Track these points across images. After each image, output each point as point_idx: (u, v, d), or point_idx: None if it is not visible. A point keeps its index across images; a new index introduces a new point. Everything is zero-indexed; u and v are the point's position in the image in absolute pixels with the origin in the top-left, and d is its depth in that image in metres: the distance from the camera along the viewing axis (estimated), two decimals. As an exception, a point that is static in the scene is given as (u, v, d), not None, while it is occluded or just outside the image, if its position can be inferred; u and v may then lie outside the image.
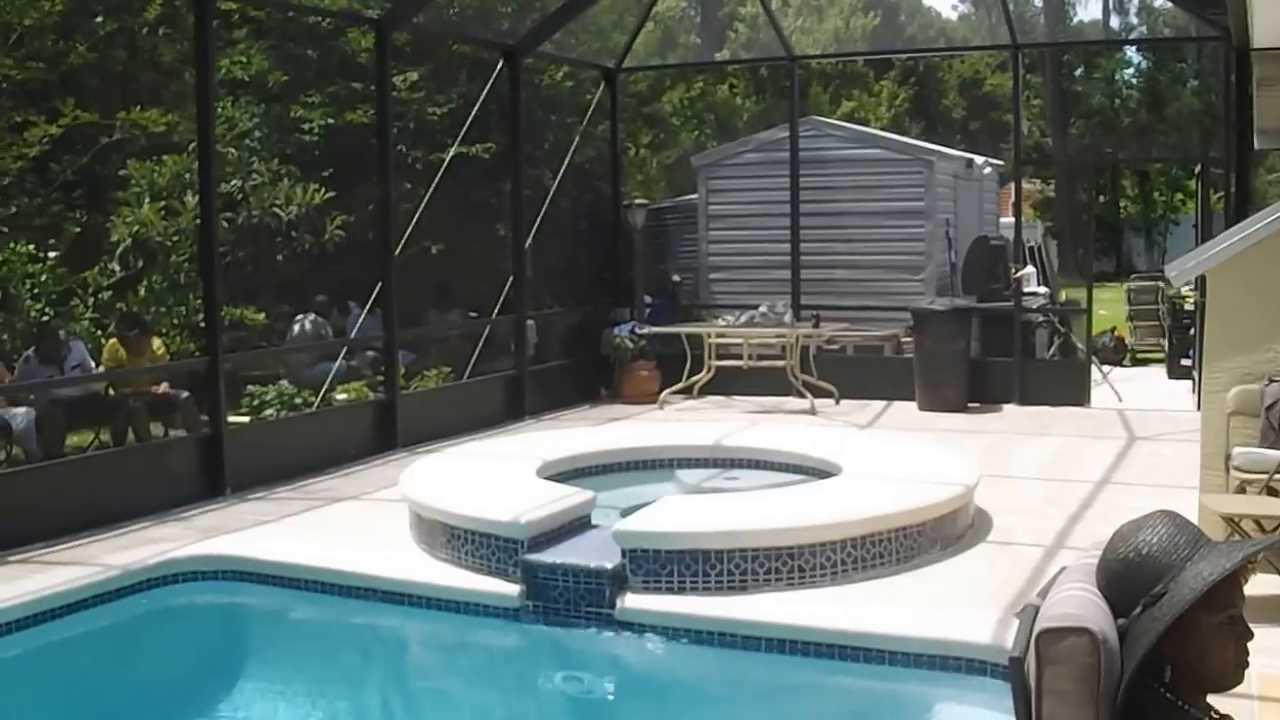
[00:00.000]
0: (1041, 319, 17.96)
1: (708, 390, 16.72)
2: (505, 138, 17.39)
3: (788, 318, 16.72)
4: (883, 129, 32.17)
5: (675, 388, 16.75)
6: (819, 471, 10.37)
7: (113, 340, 14.38)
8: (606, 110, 18.93)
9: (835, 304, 17.76)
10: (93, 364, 14.16)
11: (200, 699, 8.05)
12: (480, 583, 8.55)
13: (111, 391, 14.10)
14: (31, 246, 15.77)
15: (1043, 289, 21.31)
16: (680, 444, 11.69)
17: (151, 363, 14.01)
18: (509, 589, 8.37)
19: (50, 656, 8.33)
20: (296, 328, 17.34)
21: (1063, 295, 23.76)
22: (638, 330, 17.33)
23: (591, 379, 17.68)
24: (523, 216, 16.49)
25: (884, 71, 45.31)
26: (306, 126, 19.03)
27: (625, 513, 9.00)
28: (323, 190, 17.32)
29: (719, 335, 16.76)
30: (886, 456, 10.56)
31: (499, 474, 10.09)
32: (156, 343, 14.53)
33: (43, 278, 15.64)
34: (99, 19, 18.77)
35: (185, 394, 13.82)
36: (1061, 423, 14.89)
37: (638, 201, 19.21)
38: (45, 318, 15.09)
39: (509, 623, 8.34)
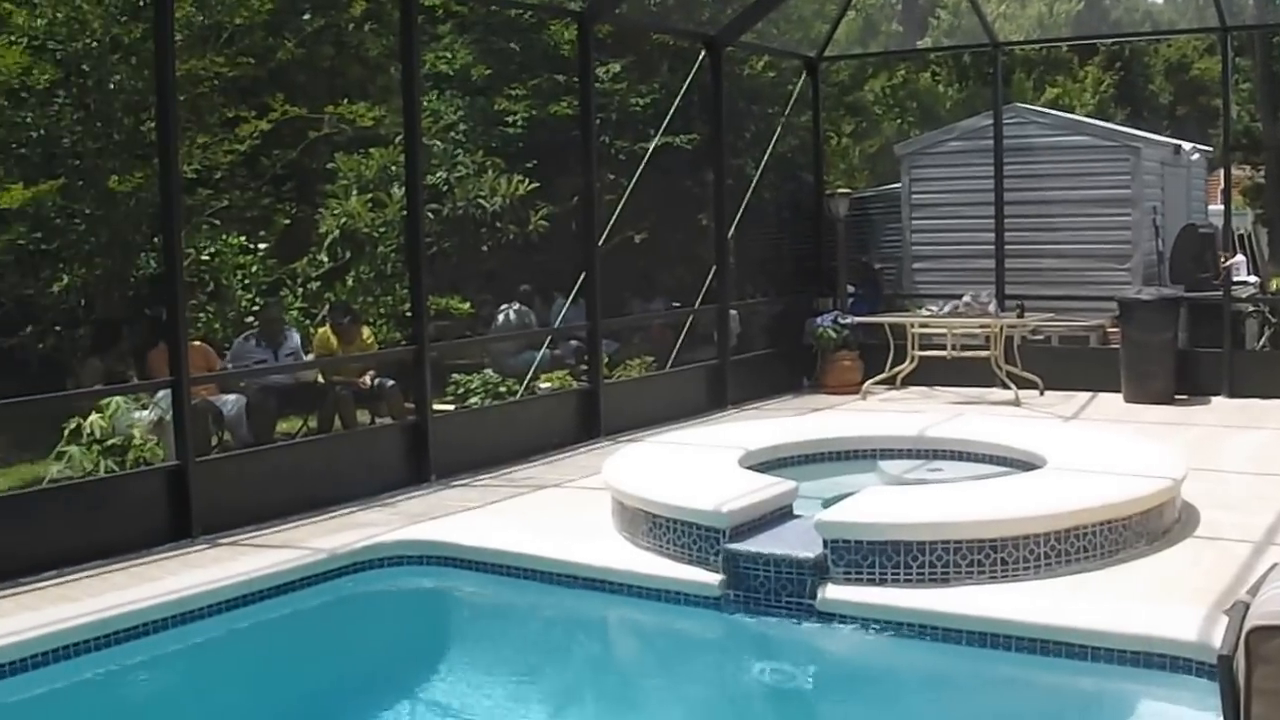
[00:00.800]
0: (1251, 308, 17.58)
1: (911, 381, 16.60)
2: (707, 128, 17.45)
3: (992, 307, 16.56)
4: (1088, 115, 31.66)
5: (878, 378, 16.66)
6: (1023, 463, 10.26)
7: (323, 329, 14.71)
8: (808, 100, 18.88)
9: (1040, 294, 17.54)
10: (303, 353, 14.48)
11: (404, 681, 8.20)
12: (682, 571, 8.58)
13: (320, 379, 14.40)
14: (242, 238, 16.23)
15: (1253, 278, 20.83)
16: (883, 435, 11.60)
17: (361, 351, 14.30)
18: (710, 578, 8.39)
19: (259, 636, 8.55)
20: (501, 317, 17.59)
21: (1274, 284, 23.25)
22: (840, 320, 17.27)
23: (794, 369, 17.63)
24: (725, 206, 16.53)
25: (1088, 57, 44.42)
26: (510, 119, 19.26)
27: (827, 503, 8.96)
28: (526, 181, 17.53)
29: (922, 325, 16.60)
30: (1091, 449, 10.41)
31: (701, 463, 10.13)
32: (366, 331, 14.84)
33: (253, 269, 16.07)
34: (306, 16, 19.23)
35: (391, 382, 14.06)
36: (1272, 416, 14.54)
37: (840, 191, 19.19)
38: (255, 307, 15.46)
39: (710, 611, 8.36)
